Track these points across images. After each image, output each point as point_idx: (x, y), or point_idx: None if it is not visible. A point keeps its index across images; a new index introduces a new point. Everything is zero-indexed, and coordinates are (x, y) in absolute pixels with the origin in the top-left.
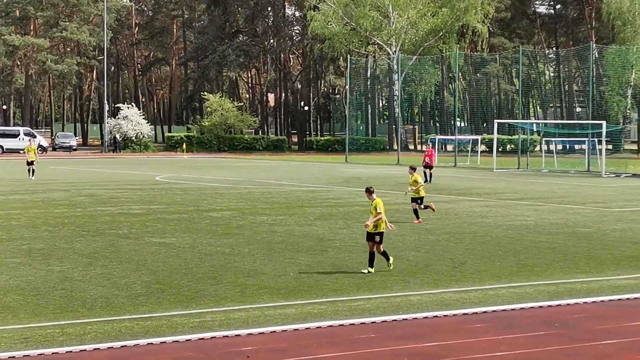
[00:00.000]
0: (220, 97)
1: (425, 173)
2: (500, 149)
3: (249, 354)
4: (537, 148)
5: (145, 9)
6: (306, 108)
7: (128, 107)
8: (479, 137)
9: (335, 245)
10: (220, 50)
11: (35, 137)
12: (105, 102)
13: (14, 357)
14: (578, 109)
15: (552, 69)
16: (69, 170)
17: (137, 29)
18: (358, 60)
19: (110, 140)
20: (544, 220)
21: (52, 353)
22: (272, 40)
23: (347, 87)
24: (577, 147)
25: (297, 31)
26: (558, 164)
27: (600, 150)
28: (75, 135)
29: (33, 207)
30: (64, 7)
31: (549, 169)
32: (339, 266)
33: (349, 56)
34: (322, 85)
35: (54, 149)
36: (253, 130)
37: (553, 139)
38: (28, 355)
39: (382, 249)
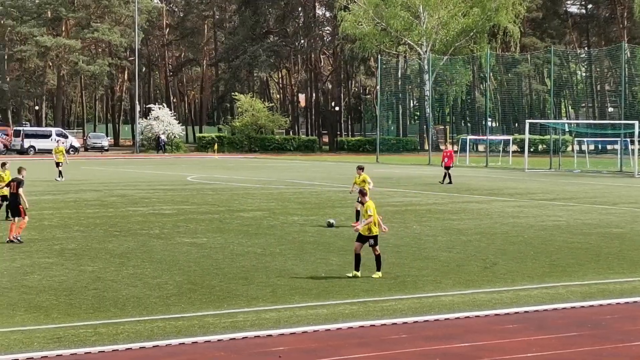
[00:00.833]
0: (251, 97)
1: (445, 174)
2: (531, 149)
3: (281, 354)
4: (569, 148)
5: (176, 9)
6: (337, 108)
7: (159, 108)
8: (510, 137)
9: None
10: (251, 50)
11: (67, 137)
12: (137, 102)
13: (46, 356)
14: (610, 109)
15: (583, 68)
16: (101, 171)
17: (168, 29)
18: (389, 61)
19: (154, 140)
20: (576, 220)
21: (85, 353)
22: (302, 41)
23: (377, 87)
24: (609, 147)
25: (327, 31)
26: (590, 164)
27: (632, 150)
28: (107, 136)
29: (65, 207)
30: (96, 8)
31: (581, 169)
32: (369, 267)
33: (379, 56)
34: (353, 86)
35: (86, 150)
36: (284, 131)
37: (585, 139)
38: (61, 355)
39: (377, 252)
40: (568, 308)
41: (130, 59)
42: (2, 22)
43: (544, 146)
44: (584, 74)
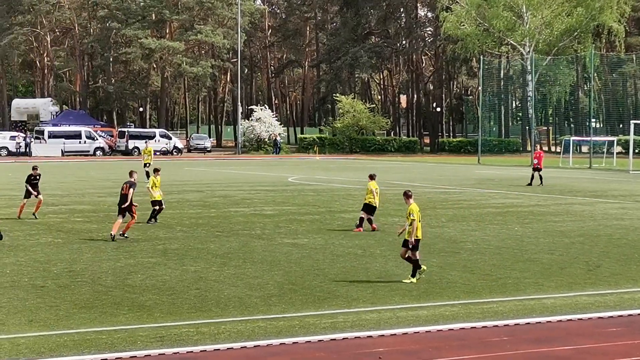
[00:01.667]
0: (352, 98)
1: (535, 175)
2: (636, 151)
3: (381, 355)
4: None
5: (278, 11)
6: (438, 109)
7: (261, 109)
8: (614, 139)
9: (467, 247)
10: (353, 51)
11: (170, 139)
12: (239, 104)
13: (149, 355)
14: None
15: None
16: (203, 172)
17: (270, 31)
18: (491, 61)
19: (271, 141)
20: None
21: (187, 352)
22: (404, 42)
23: (479, 88)
24: None
25: (429, 32)
26: None
27: None
28: (209, 137)
29: (168, 207)
30: (199, 11)
31: None
32: (470, 268)
33: (481, 57)
34: (455, 87)
35: (189, 151)
36: (385, 132)
37: None
38: (163, 354)
39: (416, 256)
40: None
41: (233, 60)
42: (107, 24)
43: None
44: None
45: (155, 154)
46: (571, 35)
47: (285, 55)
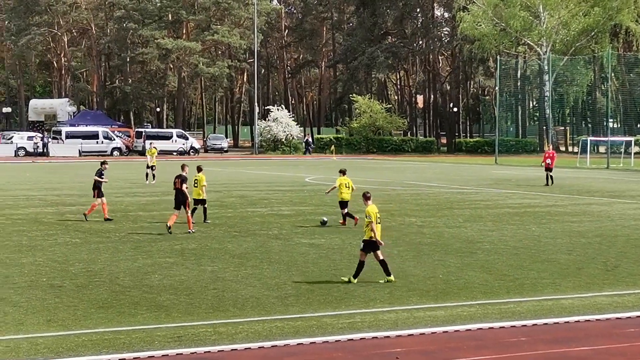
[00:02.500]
0: (369, 98)
1: (547, 176)
2: None
3: (398, 355)
4: None
5: (295, 11)
6: (455, 109)
7: (278, 109)
8: (632, 139)
9: (484, 247)
10: (369, 52)
11: (187, 139)
12: (256, 104)
13: (167, 355)
14: None
15: None
16: (220, 172)
17: (286, 31)
18: (508, 61)
19: (303, 142)
20: None
21: (205, 352)
22: (420, 42)
23: (496, 88)
24: None
25: (446, 32)
26: None
27: None
28: (226, 137)
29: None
30: (216, 11)
31: None
32: (488, 268)
33: (498, 57)
34: (472, 87)
35: (206, 151)
36: (402, 132)
37: None
38: (181, 354)
39: (365, 257)
40: None
41: (250, 60)
42: (124, 25)
43: None
44: None
45: (172, 154)
46: (588, 35)
47: (301, 56)
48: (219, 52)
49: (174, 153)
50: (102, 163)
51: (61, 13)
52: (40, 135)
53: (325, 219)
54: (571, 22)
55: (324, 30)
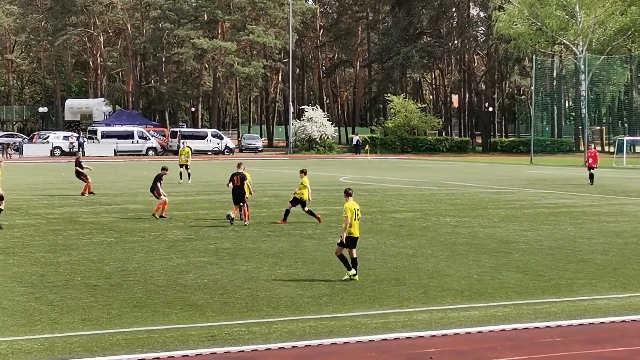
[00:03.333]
0: (403, 98)
1: (590, 175)
2: None
3: (432, 355)
4: None
5: (330, 11)
6: (490, 109)
7: (312, 109)
8: None
9: (519, 247)
10: (404, 51)
11: (222, 138)
12: (290, 104)
13: (201, 354)
14: None
15: None
16: (254, 172)
17: (321, 31)
18: (544, 61)
19: (352, 142)
20: None
21: (238, 351)
22: (456, 41)
23: (532, 87)
24: None
25: (481, 31)
26: None
27: None
28: (261, 137)
29: (220, 207)
30: (251, 11)
31: None
32: (523, 268)
33: (534, 56)
34: (507, 86)
35: (240, 151)
36: (436, 132)
37: None
38: (215, 353)
39: (341, 252)
40: None
41: (285, 60)
42: (160, 25)
43: None
44: None
45: (207, 153)
46: (625, 35)
47: (336, 55)
48: (254, 52)
49: (209, 153)
50: (163, 168)
51: (97, 13)
52: (76, 135)
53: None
54: (607, 21)
55: (359, 29)
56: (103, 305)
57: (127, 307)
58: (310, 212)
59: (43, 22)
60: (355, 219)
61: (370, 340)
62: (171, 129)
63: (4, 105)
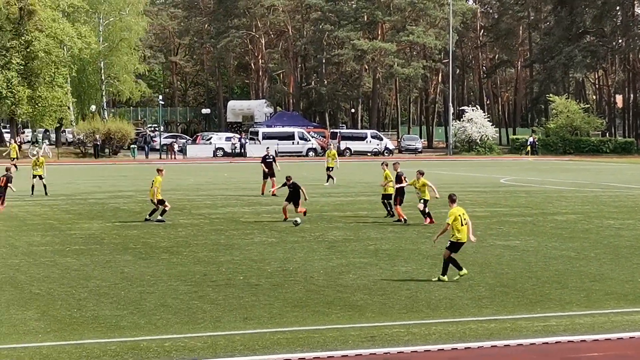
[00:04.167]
0: (566, 98)
1: None
2: None
3: None
4: None
5: (491, 11)
6: None
7: (473, 110)
8: None
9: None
10: (567, 51)
11: (382, 139)
12: (450, 104)
13: (360, 354)
14: None
15: None
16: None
17: (482, 31)
18: None
19: (527, 142)
20: None
21: (398, 352)
22: (620, 40)
23: None
24: None
25: None
26: None
27: None
28: (420, 138)
29: (380, 208)
30: (411, 12)
31: None
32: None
33: None
34: None
35: (400, 152)
36: (600, 133)
37: None
38: (374, 354)
39: (448, 256)
40: None
41: (445, 61)
42: (320, 27)
43: None
44: None
45: (366, 154)
46: None
47: (497, 55)
48: (414, 53)
49: (368, 154)
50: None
51: (259, 16)
52: (238, 136)
53: (299, 220)
54: None
55: (520, 29)
56: (264, 304)
57: (288, 306)
58: (423, 213)
59: (206, 25)
60: (462, 225)
61: (531, 344)
62: (331, 130)
63: (168, 106)
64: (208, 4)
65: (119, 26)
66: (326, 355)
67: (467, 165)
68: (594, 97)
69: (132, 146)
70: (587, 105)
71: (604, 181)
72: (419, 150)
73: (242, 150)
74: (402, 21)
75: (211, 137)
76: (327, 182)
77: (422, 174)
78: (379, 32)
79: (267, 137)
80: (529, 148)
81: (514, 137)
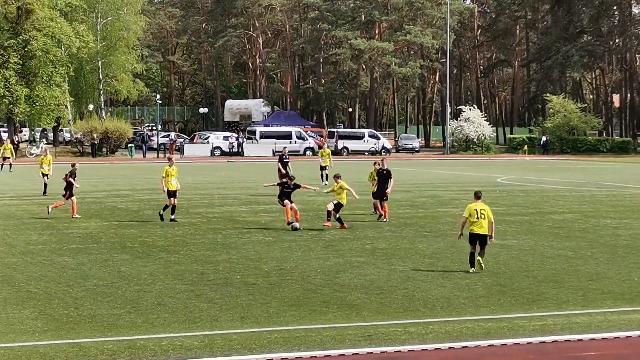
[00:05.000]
0: (563, 98)
1: None
2: None
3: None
4: None
5: (488, 10)
6: None
7: (470, 109)
8: None
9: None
10: (564, 50)
11: (379, 139)
12: (448, 104)
13: (358, 353)
14: None
15: None
16: (411, 172)
17: (479, 30)
18: None
19: (540, 142)
20: None
21: (395, 351)
22: (617, 40)
23: None
24: None
25: None
26: None
27: None
28: (418, 137)
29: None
30: (408, 11)
31: None
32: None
33: None
34: None
35: (397, 151)
36: (597, 132)
37: None
38: (371, 353)
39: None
40: None
41: (442, 60)
42: (318, 26)
43: None
44: None
45: (364, 154)
46: None
47: (494, 55)
48: (411, 52)
49: (366, 153)
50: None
51: (256, 15)
52: (236, 135)
53: (297, 225)
54: None
55: (517, 29)
56: (261, 303)
57: (285, 305)
58: (339, 220)
59: (204, 24)
60: (479, 218)
61: (528, 343)
62: (329, 129)
63: (165, 106)
64: (206, 4)
65: (116, 25)
66: (323, 354)
67: (464, 165)
68: (591, 96)
69: (129, 145)
70: (584, 105)
71: (600, 180)
72: (417, 149)
73: (240, 150)
74: (399, 21)
75: (209, 136)
76: (325, 181)
77: (339, 177)
78: (377, 32)
79: (264, 136)
80: (526, 148)
81: (511, 136)
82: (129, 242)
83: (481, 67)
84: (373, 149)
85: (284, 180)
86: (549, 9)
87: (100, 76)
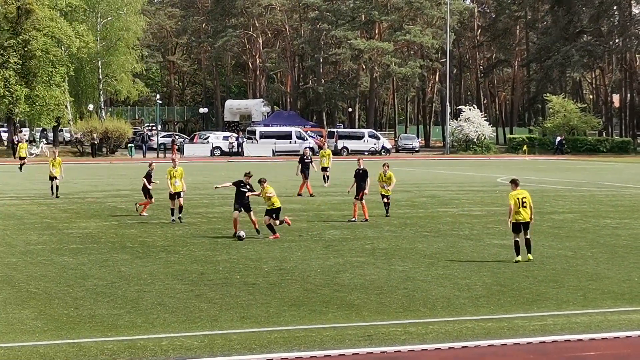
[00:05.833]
0: (562, 98)
1: None
2: None
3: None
4: None
5: (488, 10)
6: None
7: (470, 109)
8: None
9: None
10: (564, 50)
11: (379, 139)
12: (447, 104)
13: (357, 353)
14: None
15: None
16: (411, 172)
17: (479, 30)
18: None
19: (555, 142)
20: None
21: (395, 351)
22: (617, 40)
23: None
24: None
25: None
26: None
27: None
28: (418, 137)
29: (375, 207)
30: (408, 11)
31: None
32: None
33: None
34: None
35: (397, 151)
36: (597, 132)
37: None
38: (371, 353)
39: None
40: None
41: (442, 60)
42: (318, 26)
43: None
44: None
45: (364, 154)
46: None
47: (494, 55)
48: (411, 52)
49: (366, 153)
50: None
51: (256, 15)
52: (236, 135)
53: (242, 233)
54: None
55: (517, 29)
56: (261, 303)
57: (285, 305)
58: (270, 227)
59: (203, 24)
60: (521, 207)
61: (528, 343)
62: (328, 129)
63: (165, 106)
64: (205, 4)
65: (116, 25)
66: (323, 354)
67: (464, 165)
68: (591, 96)
69: (129, 145)
70: (584, 105)
71: (600, 180)
72: (416, 149)
73: (240, 150)
74: (399, 20)
75: (208, 136)
76: (327, 182)
77: (264, 181)
78: (376, 32)
79: (264, 136)
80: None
81: (511, 136)
82: (129, 242)
83: (481, 67)
84: (373, 149)
85: (241, 180)
86: (549, 9)
87: (100, 76)
